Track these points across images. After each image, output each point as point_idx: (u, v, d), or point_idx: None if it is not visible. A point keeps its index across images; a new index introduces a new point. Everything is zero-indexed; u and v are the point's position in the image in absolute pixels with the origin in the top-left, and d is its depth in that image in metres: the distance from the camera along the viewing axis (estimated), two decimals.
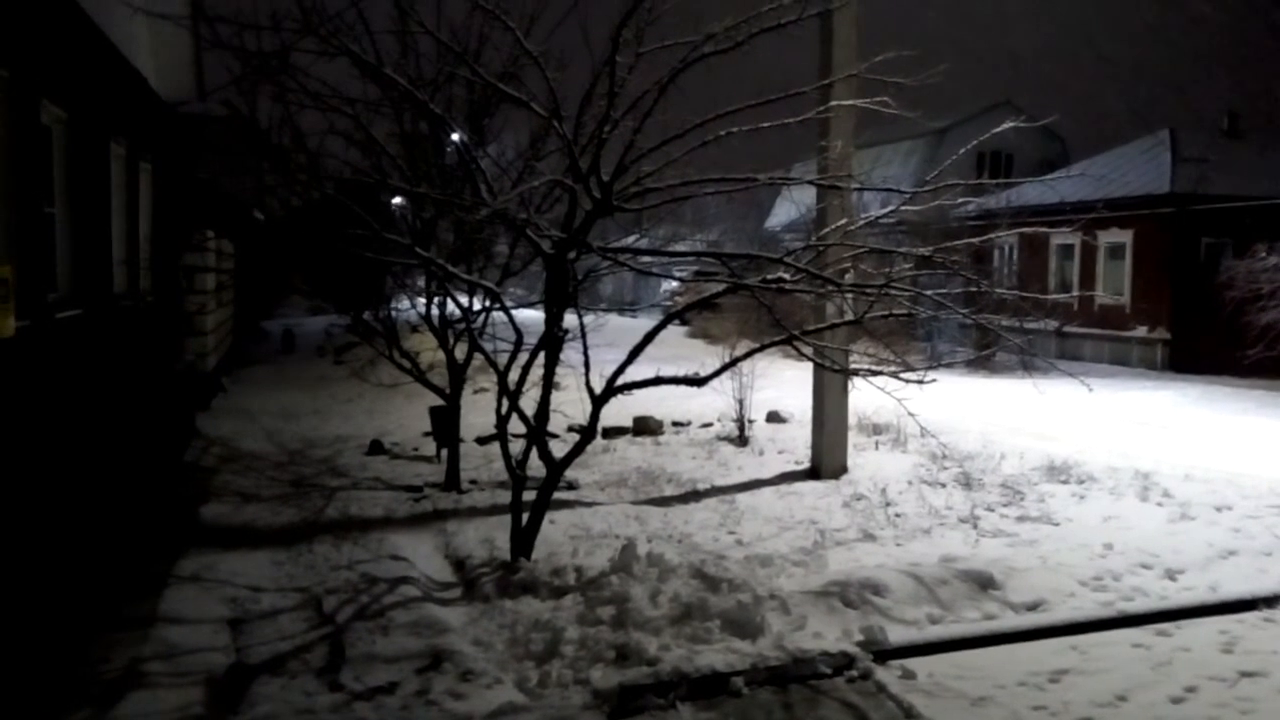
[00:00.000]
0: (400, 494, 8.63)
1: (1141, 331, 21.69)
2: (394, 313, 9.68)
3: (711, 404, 11.83)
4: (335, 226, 7.86)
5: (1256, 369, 17.17)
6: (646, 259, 7.78)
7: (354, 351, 16.02)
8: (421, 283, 9.43)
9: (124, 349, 7.92)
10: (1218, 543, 7.14)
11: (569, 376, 7.02)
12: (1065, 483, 8.99)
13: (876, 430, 11.15)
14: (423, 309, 9.32)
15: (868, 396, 7.89)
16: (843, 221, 7.11)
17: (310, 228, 9.54)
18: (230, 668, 4.86)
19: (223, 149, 10.55)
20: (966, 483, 8.88)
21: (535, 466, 6.67)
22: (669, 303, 26.23)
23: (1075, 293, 22.00)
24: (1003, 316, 13.14)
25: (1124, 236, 22.19)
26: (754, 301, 7.11)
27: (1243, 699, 4.73)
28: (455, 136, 7.03)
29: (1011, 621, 5.63)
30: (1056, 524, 7.71)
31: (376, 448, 10.54)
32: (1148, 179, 22.29)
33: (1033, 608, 5.81)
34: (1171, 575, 6.40)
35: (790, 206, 29.49)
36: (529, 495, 6.55)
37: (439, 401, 9.40)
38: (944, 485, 8.88)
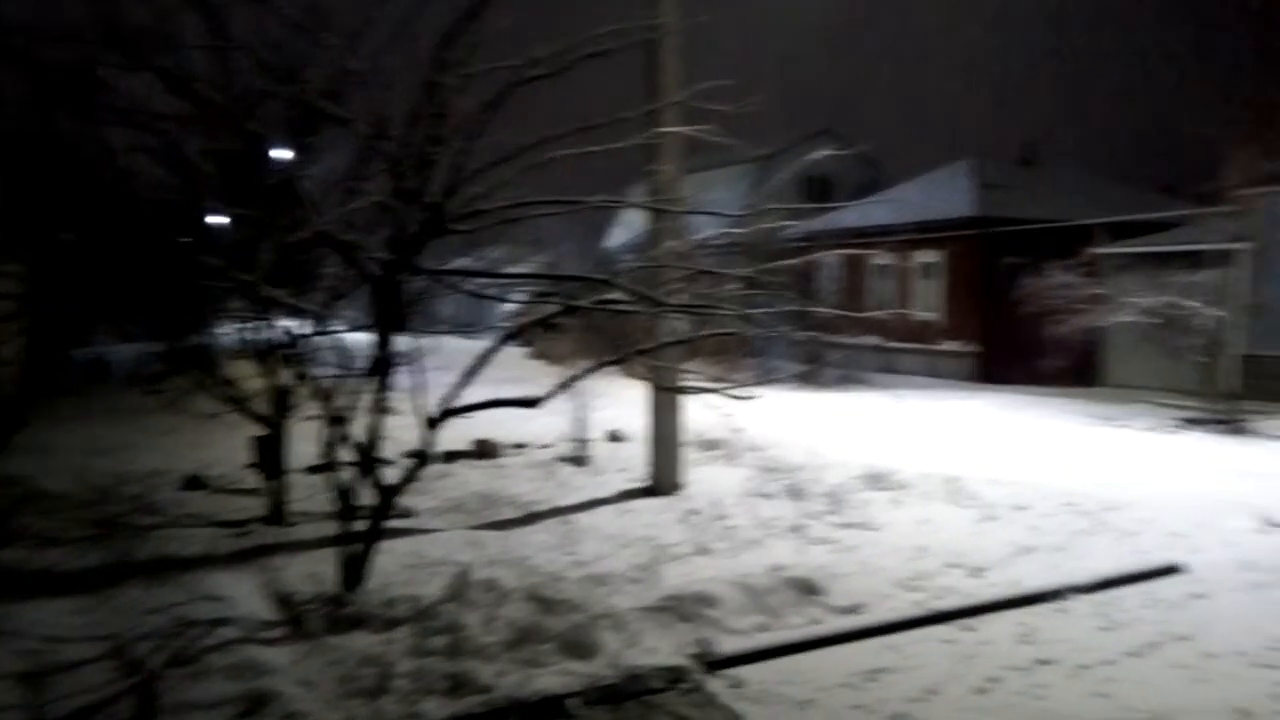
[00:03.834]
0: (221, 530, 8.18)
1: (954, 345, 23.25)
2: (213, 338, 9.18)
3: (552, 425, 11.83)
4: (143, 249, 7.42)
5: (1054, 378, 18.81)
6: (480, 280, 7.74)
7: (172, 381, 15.05)
8: (242, 307, 8.98)
9: None
10: (1017, 541, 7.74)
11: (405, 401, 6.86)
12: (883, 489, 9.50)
13: (711, 446, 11.45)
14: (244, 334, 8.89)
15: (704, 413, 8.12)
16: (672, 243, 7.31)
17: (115, 251, 8.94)
18: None
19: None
20: (794, 493, 9.25)
21: (369, 495, 6.48)
22: (509, 324, 26.06)
23: (892, 310, 23.35)
24: (827, 333, 13.83)
25: (936, 257, 23.77)
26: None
27: (1039, 685, 5.14)
28: (275, 154, 6.79)
29: (833, 625, 5.91)
30: (876, 529, 8.14)
31: (195, 482, 9.96)
32: (954, 203, 23.98)
33: (853, 610, 6.12)
34: (977, 573, 6.89)
35: (625, 228, 29.96)
36: (362, 525, 6.36)
37: (263, 431, 8.98)
38: (773, 497, 9.21)
